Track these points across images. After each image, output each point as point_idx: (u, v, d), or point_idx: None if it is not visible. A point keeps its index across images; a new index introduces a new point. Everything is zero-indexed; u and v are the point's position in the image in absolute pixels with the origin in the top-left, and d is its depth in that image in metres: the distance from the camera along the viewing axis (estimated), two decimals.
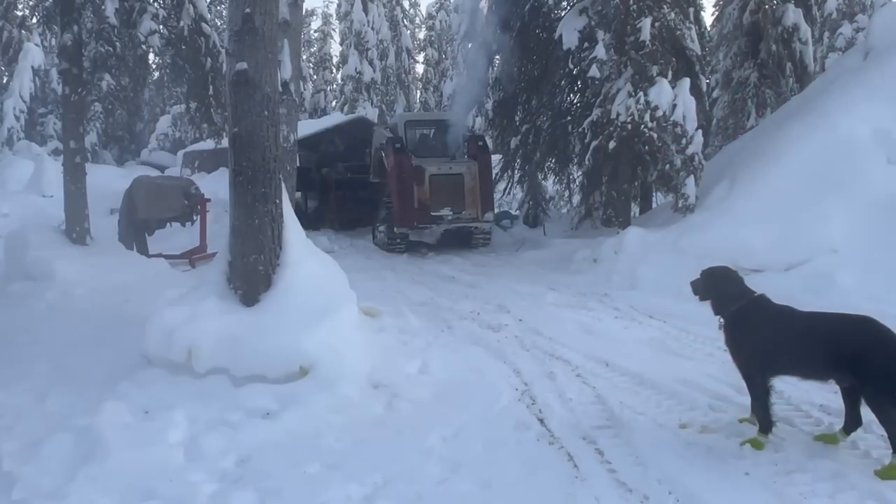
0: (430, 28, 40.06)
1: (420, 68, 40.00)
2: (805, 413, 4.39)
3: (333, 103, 34.59)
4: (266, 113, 5.17)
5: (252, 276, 5.27)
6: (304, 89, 31.95)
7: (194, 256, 11.15)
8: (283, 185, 5.55)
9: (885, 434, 3.60)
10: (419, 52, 39.61)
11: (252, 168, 5.17)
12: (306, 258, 5.58)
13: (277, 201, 5.37)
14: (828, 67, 15.11)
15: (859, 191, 8.01)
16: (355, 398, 4.70)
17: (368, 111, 28.22)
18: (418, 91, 39.28)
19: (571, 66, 12.05)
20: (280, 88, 5.91)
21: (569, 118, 13.34)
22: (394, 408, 4.68)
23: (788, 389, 4.58)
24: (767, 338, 3.94)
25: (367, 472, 3.72)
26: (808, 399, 4.57)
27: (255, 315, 5.09)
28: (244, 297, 5.25)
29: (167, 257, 10.59)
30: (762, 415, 3.94)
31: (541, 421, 4.45)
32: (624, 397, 4.79)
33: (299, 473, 3.74)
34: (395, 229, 12.83)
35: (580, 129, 12.25)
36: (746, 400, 4.25)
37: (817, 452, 3.80)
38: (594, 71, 10.94)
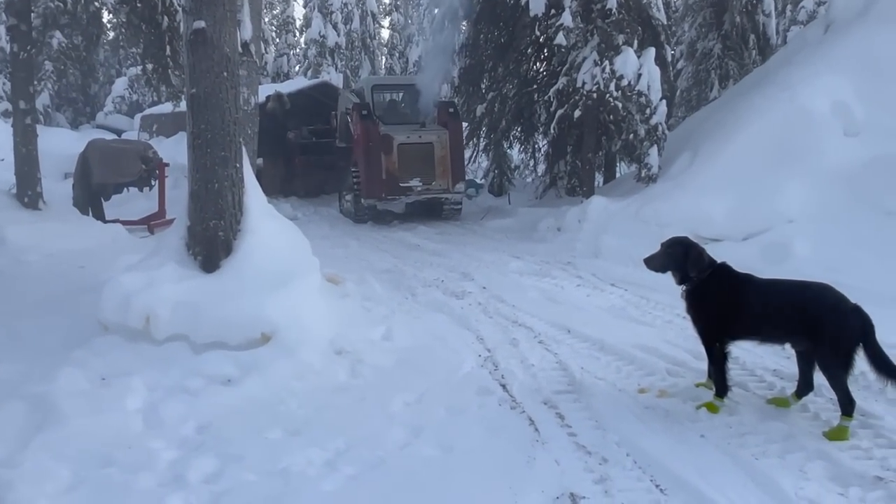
0: None
1: (385, 33, 39.29)
2: (759, 377, 4.52)
3: (297, 68, 33.85)
4: (225, 74, 5.03)
5: (212, 241, 5.17)
6: (267, 52, 31.20)
7: (153, 222, 10.91)
8: (243, 148, 5.43)
9: (835, 397, 3.73)
10: (384, 17, 38.84)
11: (211, 131, 5.05)
12: (268, 224, 5.49)
13: (238, 165, 5.25)
14: (789, 40, 15.28)
15: (816, 162, 8.17)
16: (318, 364, 4.68)
17: (333, 76, 27.69)
18: (384, 57, 38.64)
19: (538, 34, 11.96)
20: (240, 49, 5.76)
21: (535, 86, 13.29)
22: (357, 374, 4.68)
23: (743, 355, 4.71)
24: (730, 305, 4.01)
25: (330, 438, 3.72)
26: (762, 364, 4.70)
27: (215, 281, 5.01)
28: (204, 263, 5.16)
29: (125, 223, 10.35)
30: (719, 380, 4.04)
31: (503, 386, 4.50)
32: (585, 363, 4.87)
33: (261, 439, 3.73)
34: (363, 201, 12.58)
35: (546, 98, 12.24)
36: (703, 365, 4.35)
37: (769, 415, 3.92)
38: (560, 39, 10.88)
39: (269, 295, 4.87)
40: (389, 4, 39.37)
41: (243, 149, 5.42)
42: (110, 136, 17.73)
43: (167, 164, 11.79)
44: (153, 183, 11.73)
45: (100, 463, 3.45)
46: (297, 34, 36.35)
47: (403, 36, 37.89)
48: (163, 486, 3.28)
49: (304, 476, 3.38)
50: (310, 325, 4.93)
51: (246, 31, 6.30)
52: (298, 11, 36.86)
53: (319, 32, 30.96)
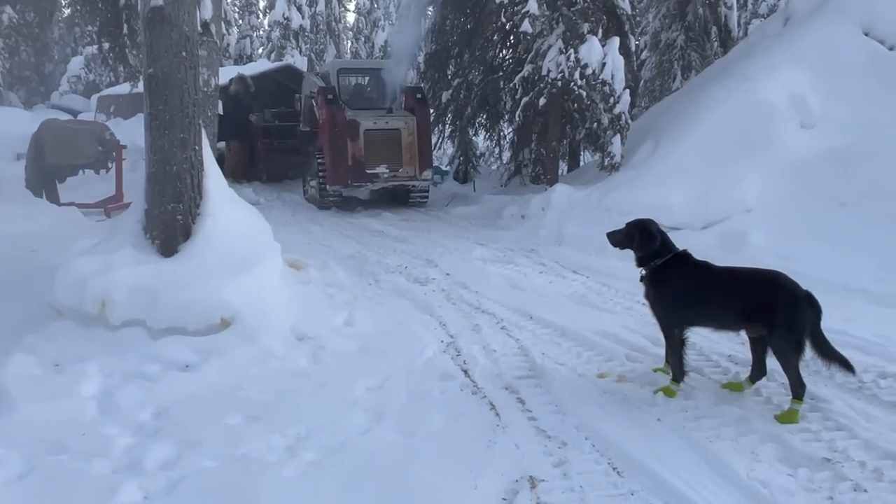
0: None
1: (351, 17, 38.86)
2: (714, 363, 4.62)
3: (260, 50, 33.27)
4: (184, 53, 4.92)
5: (170, 225, 5.08)
6: (229, 34, 30.57)
7: (109, 206, 10.65)
8: (203, 131, 5.32)
9: (787, 382, 3.84)
10: (350, 0, 38.43)
11: (169, 112, 4.93)
12: (228, 208, 5.41)
13: (197, 147, 5.15)
14: (750, 32, 15.54)
15: (773, 153, 8.34)
16: (279, 350, 4.64)
17: (297, 59, 27.29)
18: (349, 41, 38.21)
19: (504, 20, 11.94)
20: (199, 28, 5.62)
21: (500, 74, 13.29)
22: (318, 360, 4.65)
23: (700, 341, 4.80)
24: (688, 291, 4.09)
25: (290, 424, 3.69)
26: (718, 350, 4.80)
27: (173, 265, 4.91)
28: (162, 248, 5.06)
29: (80, 206, 10.07)
30: (677, 365, 4.12)
31: (465, 372, 4.52)
32: (546, 349, 4.92)
33: (220, 425, 3.68)
34: (328, 187, 12.39)
35: (511, 85, 12.24)
36: (661, 351, 4.43)
37: (724, 399, 4.01)
38: (526, 26, 10.86)
39: (229, 280, 4.80)
40: None
41: (203, 131, 5.32)
42: (65, 117, 17.22)
43: (125, 147, 11.49)
44: (110, 165, 11.45)
45: (52, 449, 3.37)
46: (261, 16, 35.71)
47: (369, 20, 37.51)
48: (117, 473, 3.22)
49: (264, 462, 3.35)
50: (270, 311, 4.88)
51: (206, 11, 6.17)
52: None
53: (283, 14, 30.43)
